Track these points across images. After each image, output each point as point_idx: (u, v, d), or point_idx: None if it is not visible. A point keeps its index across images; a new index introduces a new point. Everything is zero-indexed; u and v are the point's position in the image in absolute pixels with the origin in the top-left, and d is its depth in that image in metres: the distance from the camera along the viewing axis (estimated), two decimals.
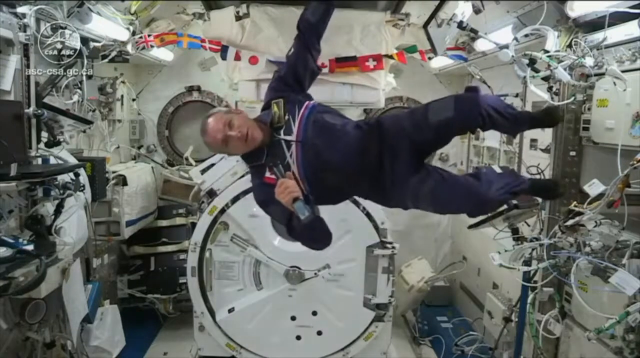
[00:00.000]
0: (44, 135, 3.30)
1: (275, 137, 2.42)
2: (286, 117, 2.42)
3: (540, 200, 3.56)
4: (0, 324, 2.71)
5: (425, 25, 3.80)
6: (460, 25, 3.46)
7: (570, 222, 2.78)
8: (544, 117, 2.73)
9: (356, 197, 4.06)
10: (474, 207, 2.49)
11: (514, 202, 3.36)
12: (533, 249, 3.25)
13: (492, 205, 2.58)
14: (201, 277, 4.23)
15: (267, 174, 2.40)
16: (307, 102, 2.50)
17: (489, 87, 5.09)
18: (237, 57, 4.25)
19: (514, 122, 2.51)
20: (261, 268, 4.24)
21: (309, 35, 2.58)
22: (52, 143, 3.35)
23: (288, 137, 2.40)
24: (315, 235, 2.45)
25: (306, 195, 2.32)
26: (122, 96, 5.29)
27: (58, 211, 3.09)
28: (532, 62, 3.12)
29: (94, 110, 4.49)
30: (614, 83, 2.78)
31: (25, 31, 2.97)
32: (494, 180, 2.44)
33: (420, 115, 2.41)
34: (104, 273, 4.69)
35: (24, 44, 2.99)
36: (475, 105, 2.31)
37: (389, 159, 2.38)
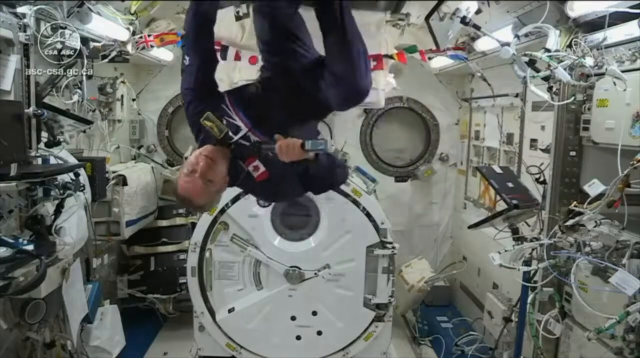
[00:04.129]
0: (44, 135, 3.30)
1: (232, 145, 2.32)
2: (224, 122, 2.32)
3: (540, 200, 3.58)
4: (0, 324, 2.71)
5: (427, 18, 3.74)
6: (464, 20, 3.42)
7: (570, 222, 2.77)
8: None
9: (356, 198, 4.09)
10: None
11: (514, 202, 3.38)
12: (533, 249, 3.25)
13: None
14: (201, 277, 4.23)
15: (256, 174, 2.32)
16: (223, 96, 2.40)
17: (489, 85, 5.11)
18: (237, 57, 4.25)
19: None
20: (261, 268, 4.24)
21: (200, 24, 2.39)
22: (52, 143, 3.35)
23: (242, 133, 2.31)
24: (338, 168, 2.33)
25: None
26: (122, 96, 5.28)
27: (58, 211, 3.09)
28: (532, 62, 3.12)
29: (94, 110, 4.49)
30: (614, 83, 2.78)
31: (25, 31, 2.97)
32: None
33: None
34: (104, 273, 4.69)
35: (24, 44, 2.99)
36: None
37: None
